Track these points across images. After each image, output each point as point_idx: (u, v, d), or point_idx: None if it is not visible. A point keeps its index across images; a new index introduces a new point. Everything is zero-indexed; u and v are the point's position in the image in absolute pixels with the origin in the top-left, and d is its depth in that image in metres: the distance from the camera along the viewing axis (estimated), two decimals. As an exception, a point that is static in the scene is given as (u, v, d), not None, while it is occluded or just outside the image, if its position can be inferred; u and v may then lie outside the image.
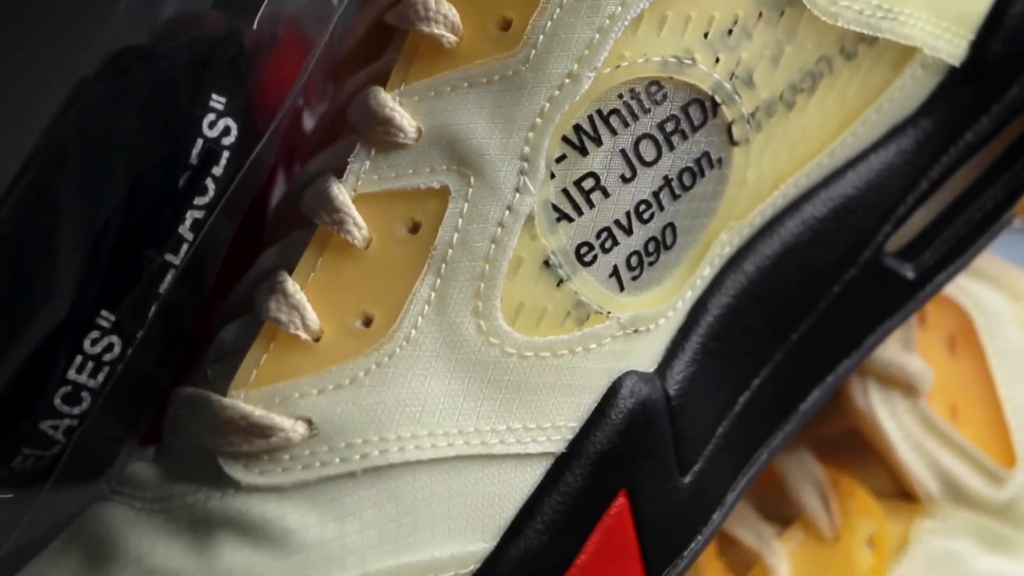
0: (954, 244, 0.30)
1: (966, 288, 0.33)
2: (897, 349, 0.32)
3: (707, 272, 0.27)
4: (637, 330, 0.26)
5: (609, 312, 0.26)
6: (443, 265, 0.25)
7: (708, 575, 0.31)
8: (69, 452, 0.27)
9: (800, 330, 0.29)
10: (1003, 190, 0.30)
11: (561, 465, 0.25)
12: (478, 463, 0.25)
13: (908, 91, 0.29)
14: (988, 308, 0.33)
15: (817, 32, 0.27)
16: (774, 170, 0.28)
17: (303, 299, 0.25)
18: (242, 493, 0.24)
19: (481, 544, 0.25)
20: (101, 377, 0.26)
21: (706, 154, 0.26)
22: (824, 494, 0.32)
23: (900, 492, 0.33)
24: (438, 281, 0.25)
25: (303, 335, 0.25)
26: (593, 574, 0.25)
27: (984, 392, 0.33)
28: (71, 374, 0.26)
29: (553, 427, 0.25)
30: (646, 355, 0.27)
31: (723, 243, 0.27)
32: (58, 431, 0.26)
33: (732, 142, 0.27)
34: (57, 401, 0.26)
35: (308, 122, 0.30)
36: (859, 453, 0.33)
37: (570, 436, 0.26)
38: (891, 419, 0.32)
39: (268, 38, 0.27)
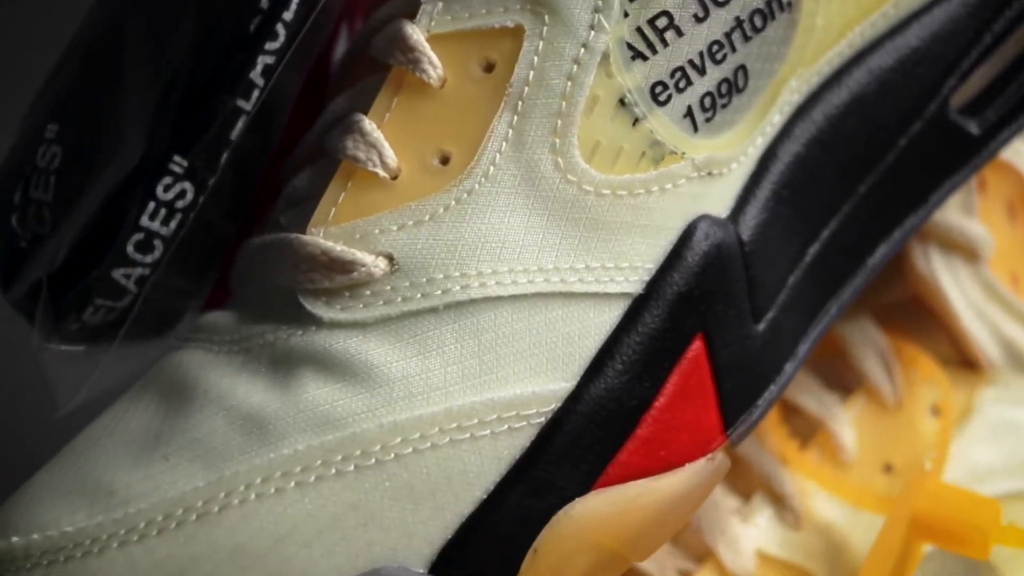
0: (1018, 100, 0.30)
1: (1026, 154, 0.33)
2: (958, 214, 0.32)
3: (777, 119, 0.27)
4: (711, 173, 0.26)
5: (684, 153, 0.26)
6: (520, 102, 0.25)
7: (772, 440, 0.31)
8: (140, 303, 0.26)
9: (867, 182, 0.28)
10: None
11: (639, 306, 0.25)
12: (558, 301, 0.25)
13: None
14: (1050, 174, 0.33)
15: None
16: (842, 17, 0.27)
17: (380, 137, 0.25)
18: (324, 329, 0.24)
19: (562, 383, 0.25)
20: (173, 224, 0.26)
21: (779, -4, 0.26)
22: (887, 362, 0.32)
23: (962, 360, 0.33)
24: (515, 118, 0.25)
25: (381, 173, 0.25)
26: (671, 416, 0.25)
27: (1045, 259, 0.33)
28: (144, 221, 0.26)
29: (631, 267, 0.25)
30: (719, 200, 0.26)
31: (792, 90, 0.27)
32: (130, 280, 0.26)
33: (803, -15, 0.26)
34: (130, 249, 0.26)
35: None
36: (921, 321, 0.33)
37: (647, 277, 0.25)
38: (953, 285, 0.32)
39: None
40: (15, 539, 0.24)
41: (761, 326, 0.27)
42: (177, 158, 0.26)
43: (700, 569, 0.30)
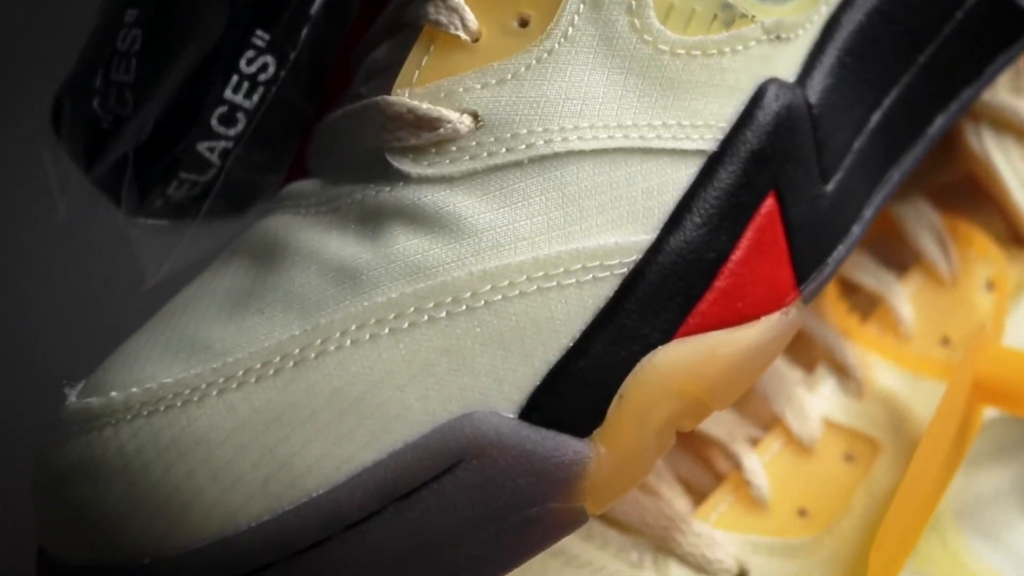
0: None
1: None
2: (1009, 94, 0.33)
3: (841, -13, 0.28)
4: (779, 36, 0.27)
5: (753, 16, 0.26)
6: None
7: (833, 315, 0.32)
8: (223, 178, 0.27)
9: (926, 53, 0.29)
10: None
11: (714, 163, 0.26)
12: (637, 157, 0.25)
13: None
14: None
15: None
16: None
17: (461, 2, 0.25)
18: (412, 184, 0.25)
19: (643, 235, 0.25)
20: (255, 98, 0.27)
21: None
22: (942, 239, 0.33)
23: (1016, 237, 0.33)
24: None
25: (463, 36, 0.25)
26: (747, 270, 0.26)
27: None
28: (227, 94, 0.27)
29: (705, 125, 0.26)
30: (787, 64, 0.27)
31: (857, -42, 0.28)
32: (214, 153, 0.27)
33: None
34: (214, 122, 0.27)
35: None
36: (975, 200, 0.33)
37: (720, 136, 0.26)
38: (1006, 163, 0.33)
39: None
40: (114, 393, 0.24)
41: (829, 187, 0.28)
42: (259, 32, 0.27)
43: (768, 436, 0.30)
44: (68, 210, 0.30)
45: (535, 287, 0.25)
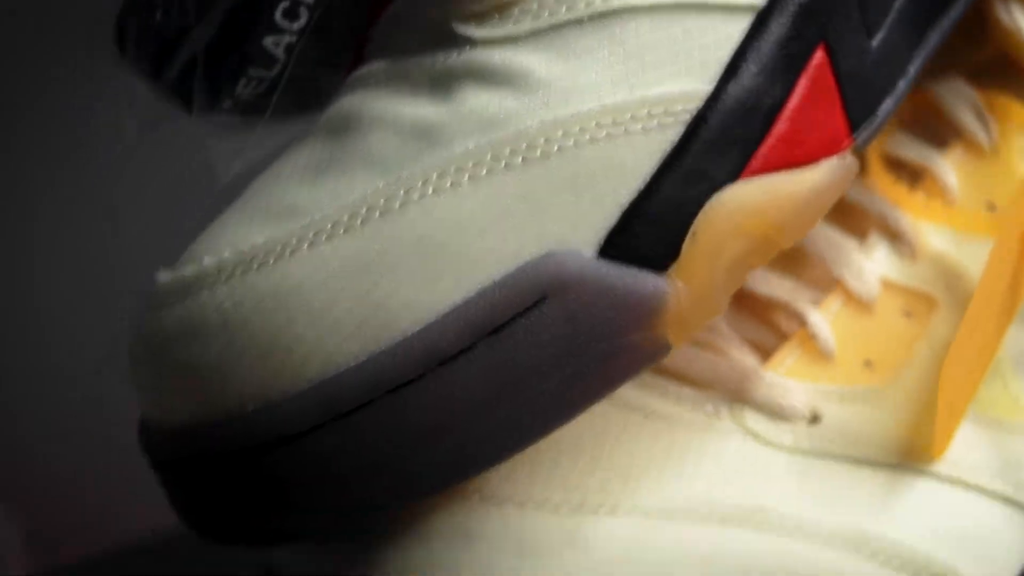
0: None
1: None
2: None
3: None
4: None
5: None
6: None
7: (881, 188, 0.33)
8: (288, 72, 0.29)
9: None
10: None
11: (764, 17, 0.27)
12: (692, 12, 0.27)
13: None
14: None
15: None
16: None
17: None
18: (479, 47, 0.26)
19: (702, 85, 0.27)
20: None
21: None
22: (980, 113, 0.34)
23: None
24: None
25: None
26: (803, 116, 0.27)
27: None
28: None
29: (755, -19, 0.27)
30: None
31: None
32: (279, 48, 0.28)
33: None
34: (278, 16, 0.28)
35: None
36: (1010, 76, 0.35)
37: (767, -7, 0.27)
38: (1038, 30, 0.34)
39: None
40: (206, 259, 0.26)
41: (874, 43, 0.29)
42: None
43: (828, 297, 0.32)
44: (139, 126, 0.31)
45: (604, 133, 0.26)
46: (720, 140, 0.27)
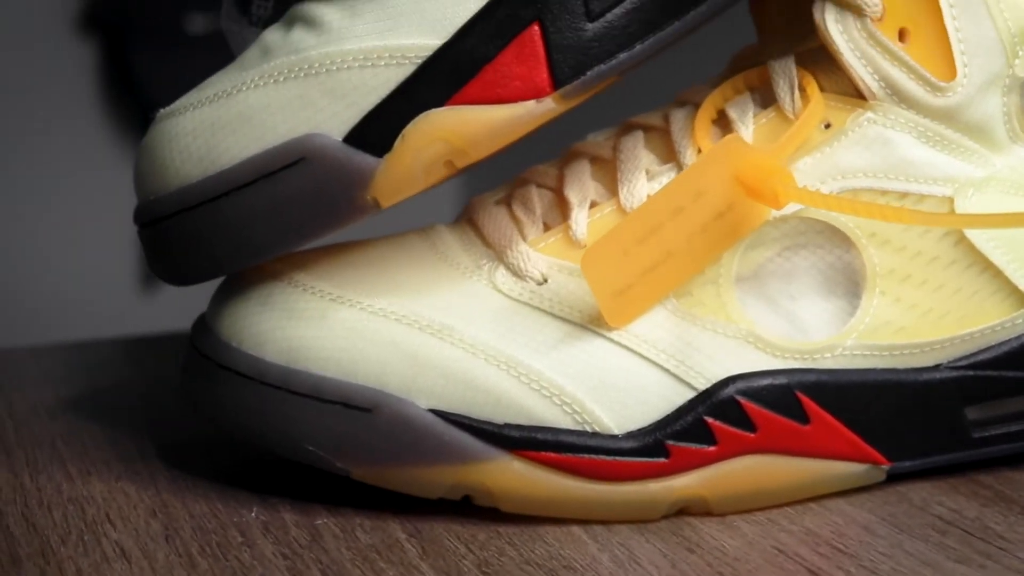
0: None
1: (929, -59, 0.43)
2: (853, -20, 0.43)
3: None
4: (560, -76, 0.41)
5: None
6: None
7: (700, 129, 0.44)
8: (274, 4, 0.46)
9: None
10: None
11: (496, 1, 0.41)
12: (441, -7, 0.41)
13: None
14: (947, -41, 0.43)
15: None
16: None
17: None
18: (309, 1, 0.43)
19: (436, 40, 0.41)
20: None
21: None
22: (793, 88, 0.44)
23: (858, 93, 0.44)
24: None
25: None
26: (507, 69, 0.42)
27: (934, 22, 0.44)
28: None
29: (493, -21, 0.41)
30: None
31: None
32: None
33: None
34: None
35: None
36: (830, 63, 0.44)
37: (500, -14, 0.41)
38: (841, 33, 0.44)
39: None
40: (169, 106, 0.44)
41: (594, 24, 0.42)
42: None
43: (605, 203, 0.44)
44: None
45: (358, 64, 0.42)
46: (436, 79, 0.41)
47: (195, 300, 0.48)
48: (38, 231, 1.37)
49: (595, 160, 0.46)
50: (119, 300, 1.35)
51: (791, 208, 0.43)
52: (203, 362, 0.45)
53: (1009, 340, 0.45)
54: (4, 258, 1.34)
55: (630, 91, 0.52)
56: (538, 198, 0.46)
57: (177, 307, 0.51)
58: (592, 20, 0.42)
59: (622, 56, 0.42)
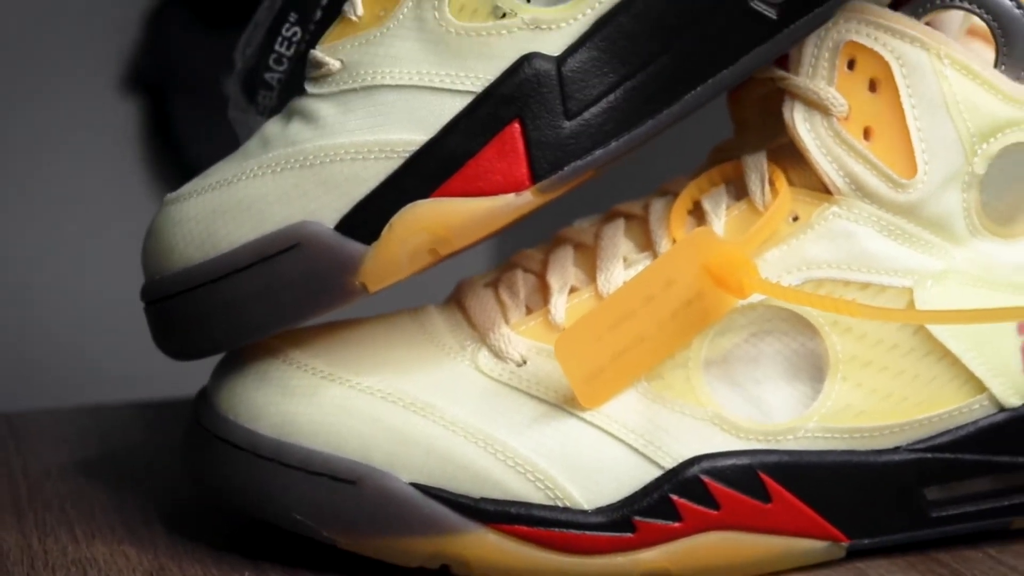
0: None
1: (891, 45, 0.46)
2: (821, 82, 0.46)
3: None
4: (540, 27, 0.44)
5: (516, 13, 0.44)
6: None
7: (675, 219, 0.47)
8: (278, 94, 0.49)
9: (676, 48, 0.45)
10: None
11: (480, 100, 0.44)
12: (428, 91, 0.45)
13: None
14: (909, 60, 0.46)
15: None
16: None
17: (357, 0, 0.46)
18: (307, 97, 0.47)
19: (423, 136, 0.44)
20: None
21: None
22: (763, 182, 0.47)
23: (825, 188, 0.47)
24: None
25: (353, 17, 0.46)
26: (489, 164, 0.44)
27: (896, 122, 0.46)
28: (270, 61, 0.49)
29: (475, 77, 0.45)
30: (552, 46, 0.45)
31: (617, -17, 0.44)
32: (274, 80, 0.49)
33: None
34: (271, 62, 0.49)
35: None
36: (799, 159, 0.47)
37: (485, 84, 0.44)
38: (808, 131, 0.46)
39: None
40: (177, 192, 0.48)
41: (571, 123, 0.44)
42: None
43: (584, 289, 0.47)
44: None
45: (350, 157, 0.45)
46: (422, 172, 0.44)
47: (205, 363, 0.51)
48: (70, 294, 1.40)
49: (579, 246, 0.49)
50: (137, 363, 1.38)
51: (758, 296, 0.46)
52: (202, 433, 0.47)
53: (966, 425, 0.47)
54: (33, 321, 1.38)
55: (634, 176, 0.55)
56: (523, 282, 0.49)
57: (188, 370, 0.54)
58: (570, 119, 0.45)
59: (598, 153, 0.45)
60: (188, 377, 0.53)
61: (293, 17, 0.49)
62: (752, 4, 0.45)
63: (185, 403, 0.56)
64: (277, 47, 0.49)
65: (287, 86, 0.50)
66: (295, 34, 0.49)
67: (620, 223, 0.49)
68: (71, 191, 1.42)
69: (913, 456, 0.47)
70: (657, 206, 0.49)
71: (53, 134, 1.41)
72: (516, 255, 0.51)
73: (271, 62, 0.49)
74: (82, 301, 1.40)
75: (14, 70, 1.39)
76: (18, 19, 1.39)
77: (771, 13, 0.45)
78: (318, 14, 0.49)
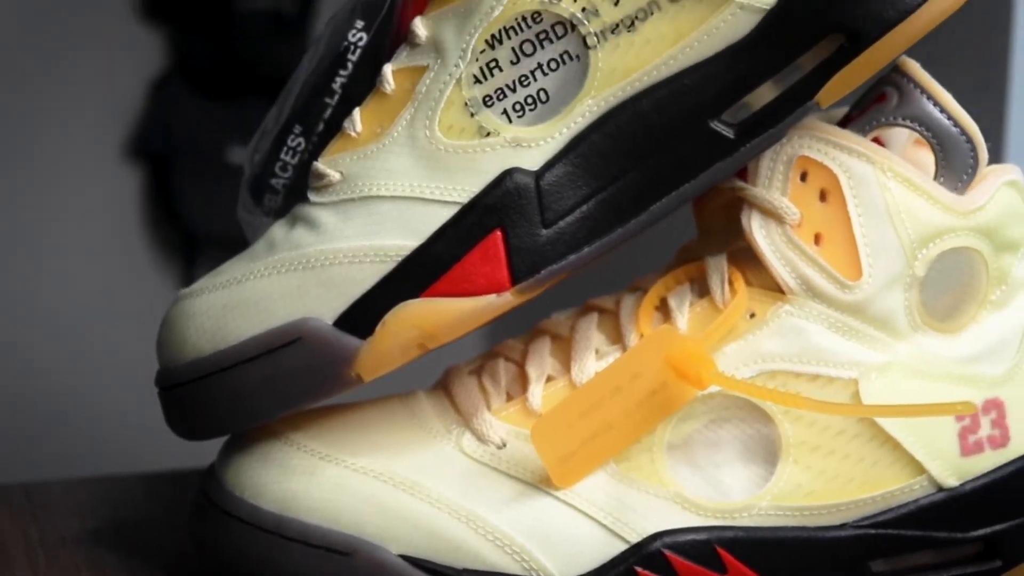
0: (766, 117, 0.49)
1: (840, 159, 0.51)
2: (775, 192, 0.52)
3: (580, 120, 0.50)
4: (520, 145, 0.50)
5: (499, 132, 0.50)
6: (416, 102, 0.50)
7: (643, 315, 0.52)
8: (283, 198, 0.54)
9: (643, 165, 0.50)
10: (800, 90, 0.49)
11: (466, 210, 0.50)
12: (420, 202, 0.50)
13: (729, 23, 0.49)
14: (856, 173, 0.51)
15: (644, -15, 0.49)
16: (624, 65, 0.50)
17: (356, 116, 0.51)
18: (308, 205, 0.52)
19: (412, 242, 0.49)
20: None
21: (567, 51, 0.49)
22: (723, 282, 0.52)
23: (779, 288, 0.52)
24: (413, 110, 0.50)
25: (353, 133, 0.51)
26: (473, 268, 0.50)
27: (843, 229, 0.52)
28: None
29: (463, 189, 0.50)
30: (531, 161, 0.50)
31: (589, 105, 0.50)
32: (279, 184, 0.54)
33: (586, 46, 0.49)
34: (277, 169, 0.54)
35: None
36: (756, 261, 0.52)
37: (471, 196, 0.50)
38: (764, 237, 0.52)
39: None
40: (190, 287, 0.53)
41: (548, 231, 0.50)
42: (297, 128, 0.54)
43: (560, 379, 0.52)
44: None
45: (347, 260, 0.50)
46: (413, 275, 0.50)
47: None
48: (82, 370, 1.45)
49: (556, 338, 0.54)
50: (148, 435, 1.42)
51: (716, 387, 0.51)
52: (210, 507, 0.52)
53: (907, 503, 0.52)
54: (46, 394, 1.43)
55: (608, 270, 0.60)
56: (504, 371, 0.54)
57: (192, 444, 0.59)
58: (547, 227, 0.50)
59: (572, 258, 0.50)
60: (191, 448, 0.58)
61: (298, 129, 0.55)
62: (712, 125, 0.50)
63: (189, 475, 0.61)
64: (283, 156, 0.55)
65: (291, 190, 0.55)
66: (299, 144, 0.55)
67: (594, 317, 0.54)
68: (77, 257, 1.47)
69: (859, 532, 0.52)
70: (628, 302, 0.54)
71: (57, 201, 1.47)
72: (499, 345, 0.56)
73: (277, 169, 0.55)
74: (90, 376, 1.44)
75: (19, 137, 1.44)
76: (23, 86, 1.44)
77: (729, 133, 0.50)
78: (320, 127, 0.54)
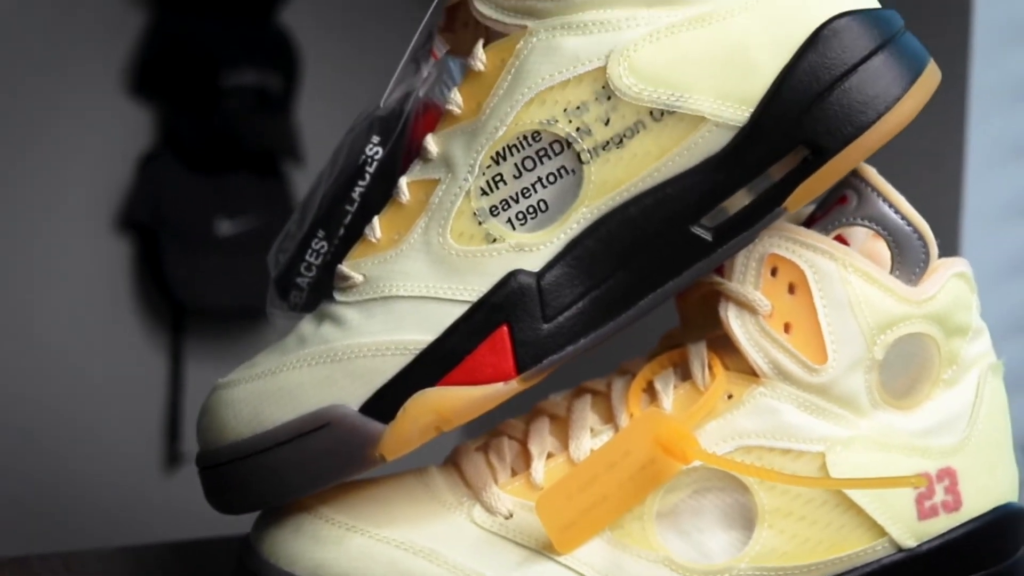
0: (741, 221, 0.57)
1: (806, 256, 0.59)
2: (749, 286, 0.59)
3: (575, 227, 0.57)
4: (523, 249, 0.57)
5: (504, 238, 0.57)
6: (430, 212, 0.57)
7: (631, 398, 0.59)
8: (307, 295, 0.61)
9: (631, 265, 0.57)
10: (770, 197, 0.57)
11: (475, 308, 0.57)
12: (434, 301, 0.57)
13: (706, 139, 0.56)
14: (820, 268, 0.59)
15: (631, 106, 0.56)
16: (614, 177, 0.57)
17: (376, 223, 0.58)
18: (334, 304, 0.59)
19: (428, 336, 0.56)
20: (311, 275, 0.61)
21: (564, 166, 0.56)
22: (703, 367, 0.59)
23: (753, 372, 0.59)
24: (427, 219, 0.57)
25: (372, 239, 0.58)
26: (483, 359, 0.57)
27: (810, 319, 0.59)
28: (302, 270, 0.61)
29: (472, 289, 0.57)
30: (533, 263, 0.57)
31: (584, 212, 0.57)
32: (303, 282, 0.61)
33: (581, 162, 0.56)
34: (303, 269, 0.61)
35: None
36: (732, 348, 0.59)
37: (478, 296, 0.56)
38: (740, 327, 0.59)
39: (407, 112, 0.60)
40: (227, 377, 0.59)
41: (548, 325, 0.57)
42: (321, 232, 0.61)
43: (560, 455, 0.59)
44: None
45: (371, 353, 0.57)
46: (429, 366, 0.57)
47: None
48: (79, 437, 1.51)
49: (554, 418, 0.61)
50: (147, 505, 1.49)
51: (699, 461, 0.58)
52: (247, 575, 0.59)
53: (871, 563, 0.59)
54: (40, 464, 1.48)
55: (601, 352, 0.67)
56: (508, 448, 0.61)
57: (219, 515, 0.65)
58: (547, 322, 0.57)
59: (570, 348, 0.57)
60: (216, 518, 0.64)
61: (321, 233, 0.62)
62: (693, 229, 0.57)
63: (213, 544, 0.68)
64: (307, 257, 0.62)
65: (315, 288, 0.62)
66: (323, 247, 0.62)
67: (587, 398, 0.61)
68: (66, 326, 1.53)
69: (827, 590, 0.59)
70: (618, 384, 0.61)
71: (47, 272, 1.53)
72: (502, 424, 0.63)
73: (302, 269, 0.62)
74: (83, 447, 1.50)
75: (11, 209, 1.50)
76: (15, 159, 1.50)
77: (708, 236, 0.57)
78: (341, 231, 0.61)
